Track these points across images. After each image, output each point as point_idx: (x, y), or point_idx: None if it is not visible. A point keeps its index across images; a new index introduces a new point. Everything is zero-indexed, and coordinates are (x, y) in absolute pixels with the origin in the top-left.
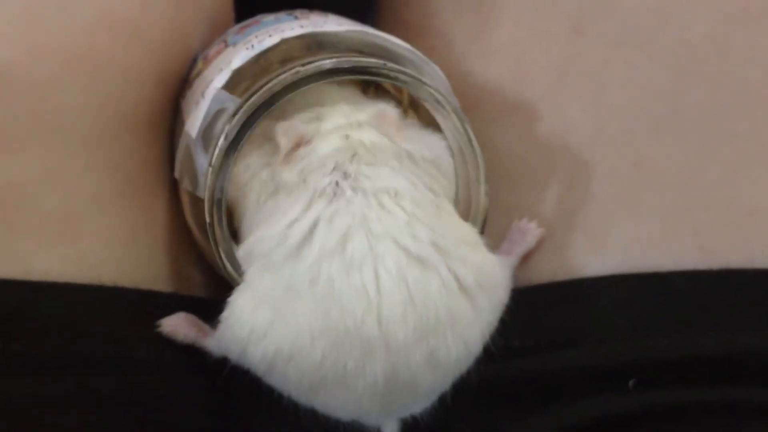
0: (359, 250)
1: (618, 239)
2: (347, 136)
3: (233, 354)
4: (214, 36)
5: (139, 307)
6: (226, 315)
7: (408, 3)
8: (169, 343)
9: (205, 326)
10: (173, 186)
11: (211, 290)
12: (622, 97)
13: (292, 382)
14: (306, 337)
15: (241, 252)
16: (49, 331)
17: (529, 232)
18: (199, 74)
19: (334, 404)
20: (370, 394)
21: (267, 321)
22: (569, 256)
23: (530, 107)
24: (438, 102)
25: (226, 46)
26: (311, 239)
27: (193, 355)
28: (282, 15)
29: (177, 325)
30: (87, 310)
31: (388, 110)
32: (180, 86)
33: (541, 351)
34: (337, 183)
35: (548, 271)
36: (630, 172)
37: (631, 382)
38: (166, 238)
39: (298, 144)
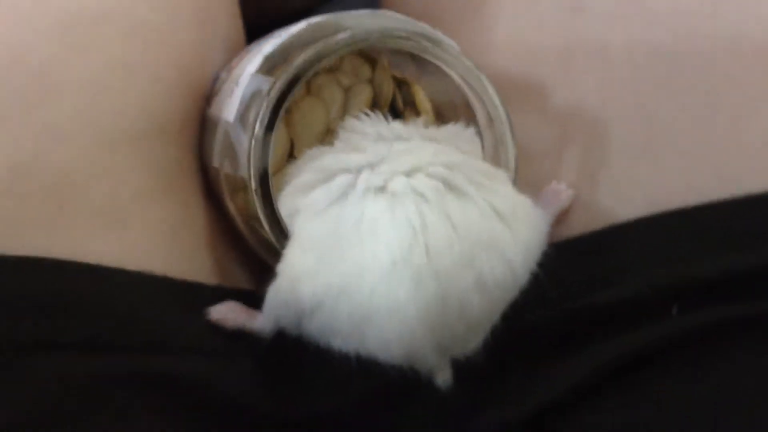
0: (401, 186)
1: (641, 188)
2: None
3: (286, 307)
4: (231, 58)
5: (187, 296)
6: (280, 266)
7: (410, 6)
8: (217, 330)
9: (252, 311)
10: (207, 190)
11: (254, 285)
12: (627, 62)
13: (342, 316)
14: (355, 272)
15: (285, 204)
16: (106, 313)
17: (562, 192)
18: (225, 81)
19: (387, 338)
20: (424, 321)
21: (317, 261)
22: (597, 212)
23: (540, 86)
24: (461, 62)
25: (249, 52)
26: (355, 183)
27: (240, 340)
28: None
29: (226, 312)
30: (141, 296)
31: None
32: (205, 100)
33: (582, 293)
34: (377, 144)
35: (579, 228)
36: (644, 127)
37: (674, 309)
38: (207, 235)
39: None
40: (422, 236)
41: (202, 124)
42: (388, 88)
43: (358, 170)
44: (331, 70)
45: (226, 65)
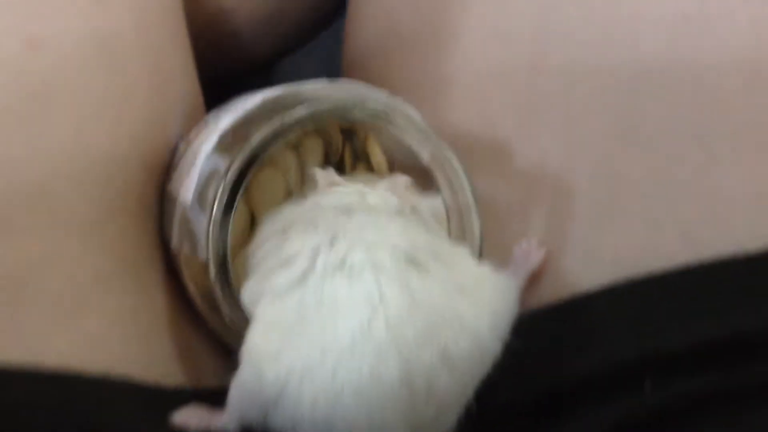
0: (358, 261)
1: (608, 250)
2: (363, 194)
3: (250, 398)
4: (190, 128)
5: (150, 400)
6: (243, 350)
7: (370, 65)
8: None
9: (215, 411)
10: (167, 269)
11: (218, 365)
12: (587, 119)
13: (307, 402)
14: (316, 353)
15: (247, 292)
16: (65, 425)
17: (532, 252)
18: (183, 155)
19: (356, 423)
20: (391, 401)
21: (278, 344)
22: (564, 275)
23: (502, 145)
24: (422, 133)
25: (207, 124)
26: (314, 264)
27: None
28: (258, 90)
29: (189, 416)
30: (101, 404)
31: (400, 177)
32: (164, 174)
33: (551, 367)
34: (338, 219)
35: (547, 293)
36: (607, 185)
37: (646, 384)
38: (168, 317)
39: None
40: (382, 309)
41: (162, 199)
42: (337, 139)
43: (317, 250)
44: None
45: (185, 136)
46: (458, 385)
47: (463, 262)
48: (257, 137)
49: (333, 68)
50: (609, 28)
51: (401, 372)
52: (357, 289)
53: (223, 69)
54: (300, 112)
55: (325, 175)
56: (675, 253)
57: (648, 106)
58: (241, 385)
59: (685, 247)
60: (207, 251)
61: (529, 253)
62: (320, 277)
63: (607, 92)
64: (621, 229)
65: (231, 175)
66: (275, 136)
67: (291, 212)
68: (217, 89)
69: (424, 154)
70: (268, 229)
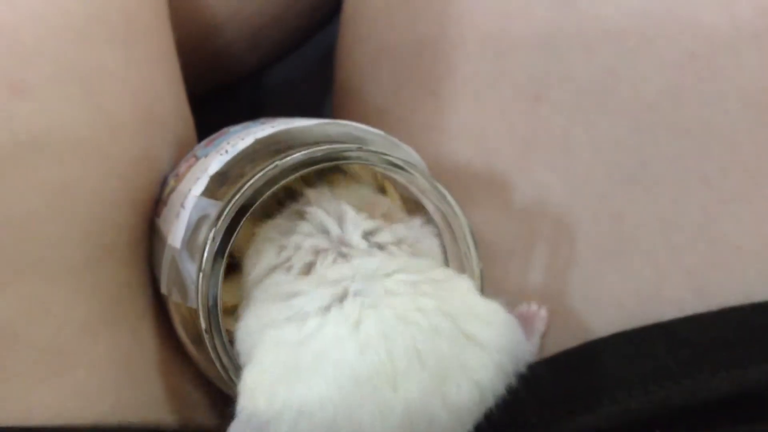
0: (373, 332)
1: (612, 295)
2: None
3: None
4: (181, 156)
5: None
6: (239, 390)
7: (363, 97)
8: None
9: None
10: (157, 308)
11: (211, 408)
12: (589, 156)
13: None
14: (315, 401)
15: (242, 330)
16: None
17: (536, 316)
18: (172, 191)
19: None
20: None
21: (276, 381)
22: (567, 320)
23: (502, 180)
24: (416, 177)
25: (197, 159)
26: (324, 323)
27: None
28: (249, 123)
29: None
30: None
31: (381, 199)
32: (154, 207)
33: (560, 420)
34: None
35: (551, 340)
36: (611, 226)
37: None
38: (159, 360)
39: None
40: (392, 377)
41: (151, 233)
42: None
43: (328, 308)
44: None
45: (175, 169)
46: (457, 423)
47: (472, 303)
48: (249, 185)
49: (322, 79)
50: (613, 64)
51: (402, 415)
52: (369, 357)
53: (214, 78)
54: (294, 158)
55: (317, 198)
56: (681, 300)
57: (653, 144)
58: (238, 424)
59: (691, 293)
60: (197, 301)
61: (533, 315)
62: (332, 339)
63: (611, 129)
64: (624, 273)
65: (221, 225)
66: (268, 185)
67: (289, 240)
68: (207, 99)
69: (422, 198)
70: (269, 260)
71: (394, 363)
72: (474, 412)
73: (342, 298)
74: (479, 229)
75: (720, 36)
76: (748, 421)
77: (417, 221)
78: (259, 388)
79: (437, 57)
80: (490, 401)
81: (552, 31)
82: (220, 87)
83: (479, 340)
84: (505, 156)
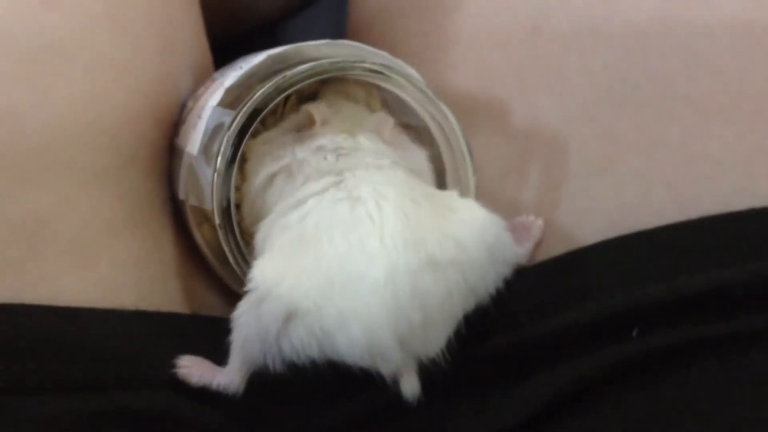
0: (366, 191)
1: (600, 208)
2: (352, 134)
3: (258, 323)
4: (199, 84)
5: (161, 327)
6: (250, 276)
7: (373, 31)
8: None
9: (217, 368)
10: (175, 219)
11: (225, 311)
12: (583, 81)
13: (311, 312)
14: (313, 263)
15: (261, 233)
16: (78, 354)
17: (533, 225)
18: (190, 111)
19: (345, 318)
20: (376, 297)
21: (285, 264)
22: (557, 231)
23: (499, 105)
24: (410, 87)
25: (214, 81)
26: (322, 199)
27: None
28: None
29: (190, 369)
30: (113, 332)
31: (388, 118)
32: (173, 129)
33: (544, 316)
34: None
35: (541, 249)
36: (601, 145)
37: (634, 332)
38: (177, 265)
39: (321, 122)
40: (379, 228)
41: (171, 153)
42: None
43: (326, 189)
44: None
45: (193, 93)
46: (443, 293)
47: (453, 198)
48: (260, 92)
49: (338, 30)
50: None
51: (387, 271)
52: (359, 210)
53: (232, 28)
54: (302, 68)
55: (318, 111)
56: (664, 211)
57: (641, 68)
58: (249, 312)
59: (674, 205)
60: (212, 201)
61: (530, 225)
62: (326, 206)
63: (602, 54)
64: (613, 188)
65: (234, 128)
66: (278, 92)
67: (287, 151)
68: (225, 50)
69: (422, 112)
70: (267, 169)
71: (382, 219)
72: (461, 289)
73: (339, 183)
74: (479, 152)
75: None
76: (722, 319)
77: (406, 137)
78: (268, 267)
79: None
80: (475, 279)
81: None
82: (237, 38)
83: (460, 215)
84: (503, 83)
